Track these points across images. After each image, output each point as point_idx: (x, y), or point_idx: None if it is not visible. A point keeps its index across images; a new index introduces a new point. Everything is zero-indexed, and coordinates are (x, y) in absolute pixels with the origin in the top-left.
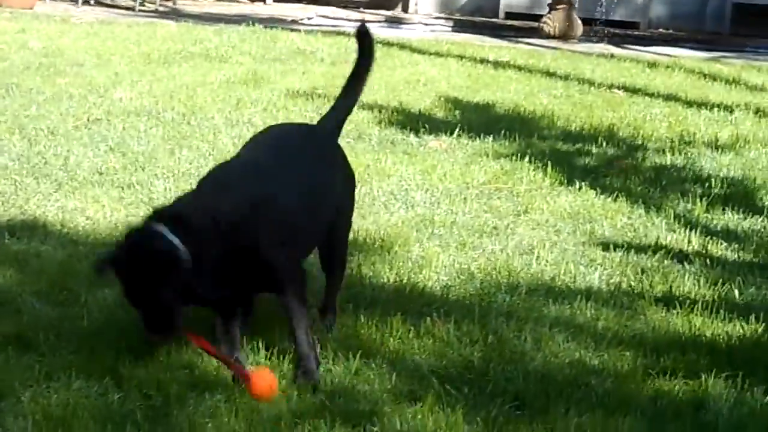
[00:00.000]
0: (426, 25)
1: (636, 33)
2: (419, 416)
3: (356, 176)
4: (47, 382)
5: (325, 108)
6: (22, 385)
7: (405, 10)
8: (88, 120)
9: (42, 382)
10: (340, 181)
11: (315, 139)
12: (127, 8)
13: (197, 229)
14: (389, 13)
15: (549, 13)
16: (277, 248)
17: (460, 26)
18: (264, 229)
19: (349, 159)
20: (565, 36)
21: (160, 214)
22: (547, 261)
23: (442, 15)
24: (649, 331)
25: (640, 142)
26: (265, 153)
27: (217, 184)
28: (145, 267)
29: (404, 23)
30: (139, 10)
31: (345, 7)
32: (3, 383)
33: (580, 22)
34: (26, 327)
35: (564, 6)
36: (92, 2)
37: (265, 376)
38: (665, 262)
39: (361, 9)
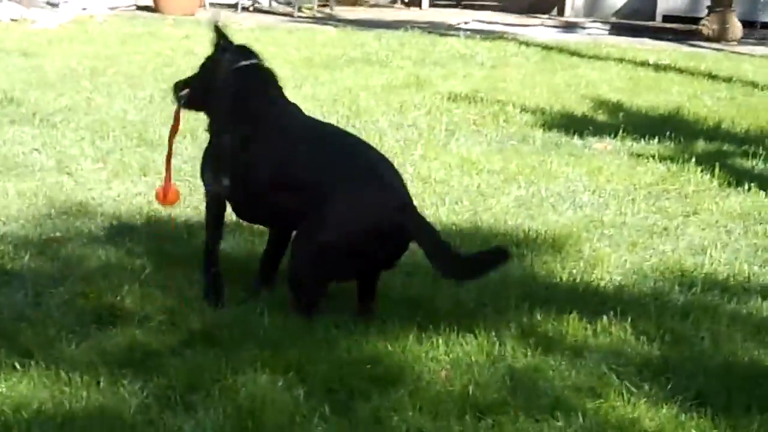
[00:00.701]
0: (583, 28)
1: None
2: (601, 412)
3: (521, 177)
4: (234, 377)
5: (489, 109)
6: (211, 380)
7: (561, 14)
8: None
9: (229, 377)
10: None
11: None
12: (285, 14)
13: None
14: (545, 16)
15: (708, 15)
16: None
17: (617, 29)
18: None
19: (515, 160)
20: (724, 38)
21: None
22: (719, 261)
23: (599, 18)
24: None
25: None
26: None
27: None
28: None
29: (565, 28)
30: (297, 16)
31: (502, 10)
32: (193, 377)
33: (739, 24)
34: (211, 324)
35: (723, 8)
36: (251, 9)
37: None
38: None
39: (517, 13)
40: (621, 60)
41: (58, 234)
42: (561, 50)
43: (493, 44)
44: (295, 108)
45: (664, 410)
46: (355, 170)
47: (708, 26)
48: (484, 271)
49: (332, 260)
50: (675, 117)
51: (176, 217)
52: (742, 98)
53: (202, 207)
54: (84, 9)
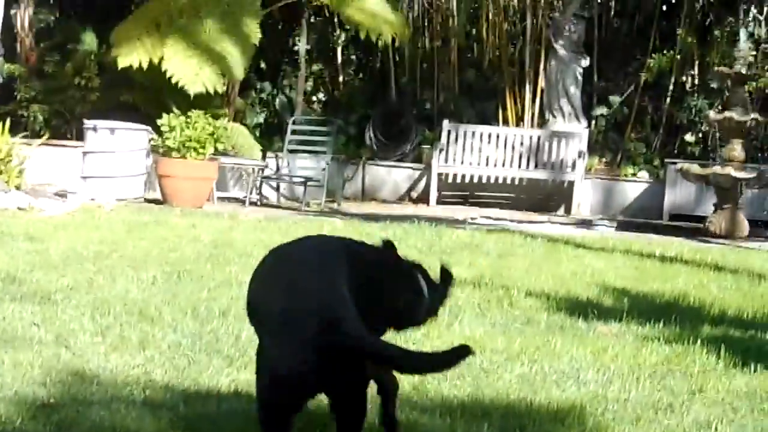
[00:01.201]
0: (590, 224)
1: None
2: None
3: (524, 356)
4: None
5: (494, 294)
6: None
7: (567, 212)
8: None
9: None
10: None
11: None
12: (293, 209)
13: None
14: (552, 213)
15: (714, 212)
16: None
17: (623, 227)
18: None
19: (519, 340)
20: (731, 235)
21: None
22: None
23: (606, 216)
24: None
25: None
26: None
27: None
28: None
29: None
30: (304, 210)
31: (510, 208)
32: None
33: (746, 221)
34: None
35: (729, 206)
36: (258, 204)
37: None
38: None
39: (525, 210)
40: (627, 252)
41: (51, 400)
42: (567, 242)
43: (500, 236)
44: None
45: None
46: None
47: (715, 223)
48: (444, 364)
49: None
50: (680, 303)
51: (173, 386)
52: (748, 288)
53: (200, 378)
54: (92, 199)
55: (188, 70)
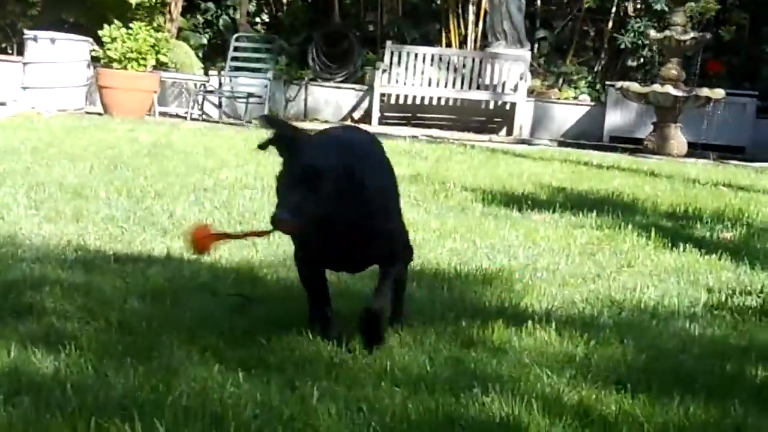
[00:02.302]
0: (531, 144)
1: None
2: (521, 387)
3: (456, 235)
4: (148, 352)
5: (430, 188)
6: (125, 353)
7: (509, 134)
8: (194, 188)
9: (143, 353)
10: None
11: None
12: (234, 125)
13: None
14: (493, 135)
15: (653, 131)
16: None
17: (564, 146)
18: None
19: (455, 224)
20: (669, 153)
21: None
22: (650, 297)
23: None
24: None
25: (745, 221)
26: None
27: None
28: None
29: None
30: (246, 123)
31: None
32: (107, 351)
33: (684, 140)
34: (130, 316)
35: (668, 124)
36: (200, 120)
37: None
38: None
39: (467, 132)
40: (565, 160)
41: None
42: (506, 152)
43: (439, 146)
44: None
45: (584, 390)
46: None
47: (653, 141)
48: None
49: None
50: (614, 199)
51: (105, 250)
52: (683, 189)
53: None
54: (32, 108)
55: None
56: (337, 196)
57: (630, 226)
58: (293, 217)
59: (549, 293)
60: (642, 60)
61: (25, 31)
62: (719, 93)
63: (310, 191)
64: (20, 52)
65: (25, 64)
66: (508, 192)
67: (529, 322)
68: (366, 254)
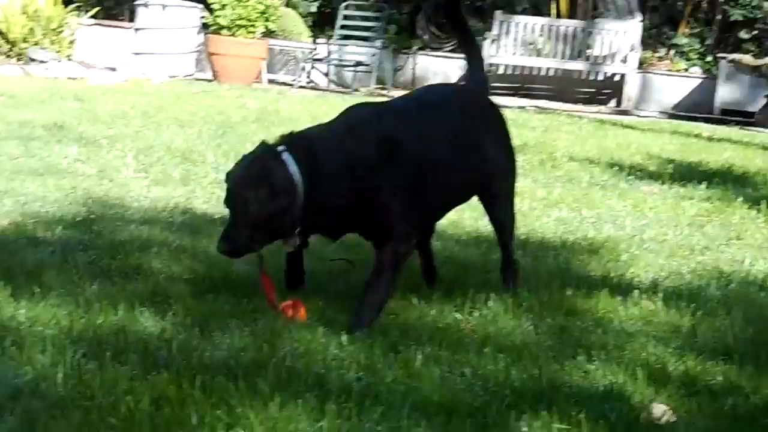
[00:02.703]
0: (639, 116)
1: None
2: (626, 356)
3: (563, 205)
4: (254, 314)
5: (537, 158)
6: (230, 315)
7: (618, 105)
8: None
9: (248, 315)
10: (492, 141)
11: (464, 98)
12: (342, 92)
13: (319, 161)
14: (601, 106)
15: (766, 105)
16: (395, 196)
17: (673, 118)
18: (386, 174)
19: (561, 194)
20: None
21: (289, 138)
22: (759, 269)
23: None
24: None
25: None
26: (407, 103)
27: (349, 121)
28: (255, 186)
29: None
30: (354, 92)
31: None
32: (212, 312)
33: None
34: (236, 278)
35: None
36: (308, 87)
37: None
38: None
39: (574, 103)
40: (675, 132)
41: (92, 216)
42: (615, 123)
43: (547, 116)
44: None
45: (690, 360)
46: None
47: (765, 114)
48: None
49: None
50: (725, 171)
51: (212, 214)
52: None
53: None
54: (142, 73)
55: None
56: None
57: (740, 199)
58: (228, 248)
59: (656, 264)
60: (755, 32)
61: None
62: None
63: (239, 217)
64: (131, 19)
65: (136, 30)
66: (616, 163)
67: (635, 292)
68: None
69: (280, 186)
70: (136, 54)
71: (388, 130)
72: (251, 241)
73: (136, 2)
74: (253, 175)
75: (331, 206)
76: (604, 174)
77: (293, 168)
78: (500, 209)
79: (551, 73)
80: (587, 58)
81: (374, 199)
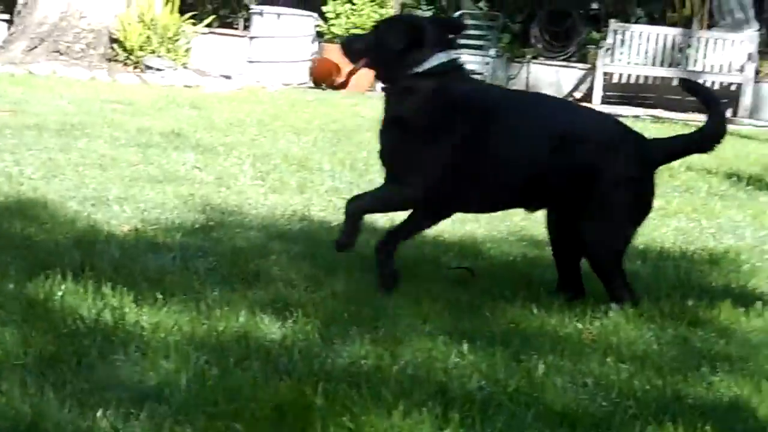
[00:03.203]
0: (757, 127)
1: None
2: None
3: (681, 215)
4: (375, 322)
5: None
6: (350, 322)
7: (734, 115)
8: None
9: (371, 322)
10: None
11: None
12: None
13: None
14: None
15: None
16: None
17: None
18: None
19: (680, 203)
20: None
21: None
22: None
23: None
24: None
25: None
26: None
27: None
28: None
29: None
30: None
31: (672, 110)
32: (333, 317)
33: None
34: (356, 288)
35: None
36: None
37: None
38: None
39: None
40: None
41: (211, 223)
42: (732, 133)
43: (662, 125)
44: None
45: None
46: None
47: None
48: None
49: None
50: None
51: (330, 221)
52: None
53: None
54: (257, 81)
55: None
56: None
57: None
58: None
59: None
60: None
61: (252, 6)
62: None
63: None
64: (246, 27)
65: (251, 38)
66: (734, 173)
67: (758, 303)
68: None
69: None
70: (251, 62)
71: None
72: None
73: (251, 11)
74: None
75: None
76: (722, 184)
77: None
78: None
79: (666, 82)
80: (703, 67)
81: None
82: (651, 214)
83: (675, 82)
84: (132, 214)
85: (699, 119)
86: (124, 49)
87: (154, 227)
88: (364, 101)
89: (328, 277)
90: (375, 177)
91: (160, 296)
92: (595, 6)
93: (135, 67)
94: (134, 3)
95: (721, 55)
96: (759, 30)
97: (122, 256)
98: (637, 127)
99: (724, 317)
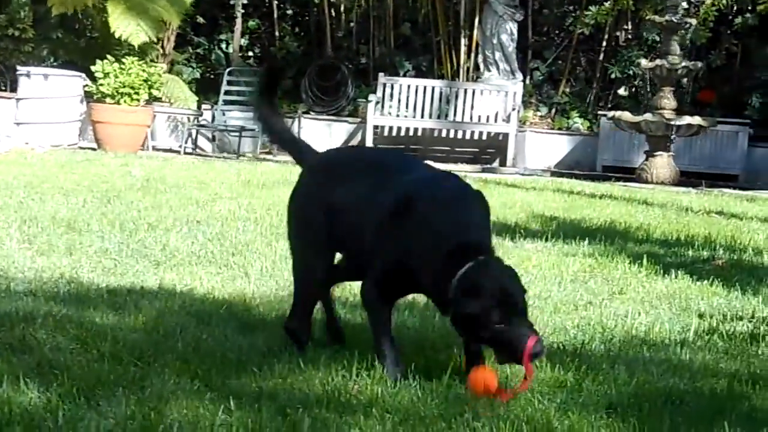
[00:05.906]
0: (523, 175)
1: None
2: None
3: None
4: (141, 382)
5: None
6: (116, 384)
7: (502, 165)
8: (187, 221)
9: (136, 382)
10: None
11: None
12: (228, 158)
13: None
14: (486, 166)
15: (646, 160)
16: None
17: (557, 176)
18: None
19: None
20: (661, 182)
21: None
22: (641, 323)
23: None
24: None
25: (736, 247)
26: None
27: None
28: None
29: (500, 172)
30: (239, 159)
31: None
32: (99, 380)
33: (677, 168)
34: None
35: (661, 153)
36: (194, 154)
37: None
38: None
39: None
40: (558, 190)
41: None
42: (498, 182)
43: None
44: None
45: (575, 415)
46: None
47: (646, 170)
48: None
49: None
50: (607, 228)
51: (98, 283)
52: (675, 217)
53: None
54: (26, 143)
55: (130, 24)
56: None
57: (622, 254)
58: None
59: (540, 320)
60: (634, 89)
61: (18, 67)
62: (711, 121)
63: None
64: (13, 89)
65: (18, 100)
66: (501, 221)
67: None
68: None
69: None
70: (18, 124)
71: None
72: None
73: (18, 72)
74: None
75: None
76: None
77: None
78: None
79: (435, 133)
80: (471, 119)
81: None
82: None
83: (444, 134)
84: None
85: (466, 169)
86: None
87: None
88: (135, 160)
89: (95, 339)
90: (145, 236)
91: None
92: (363, 60)
93: None
94: None
95: (487, 105)
96: (523, 80)
97: None
98: None
99: None
